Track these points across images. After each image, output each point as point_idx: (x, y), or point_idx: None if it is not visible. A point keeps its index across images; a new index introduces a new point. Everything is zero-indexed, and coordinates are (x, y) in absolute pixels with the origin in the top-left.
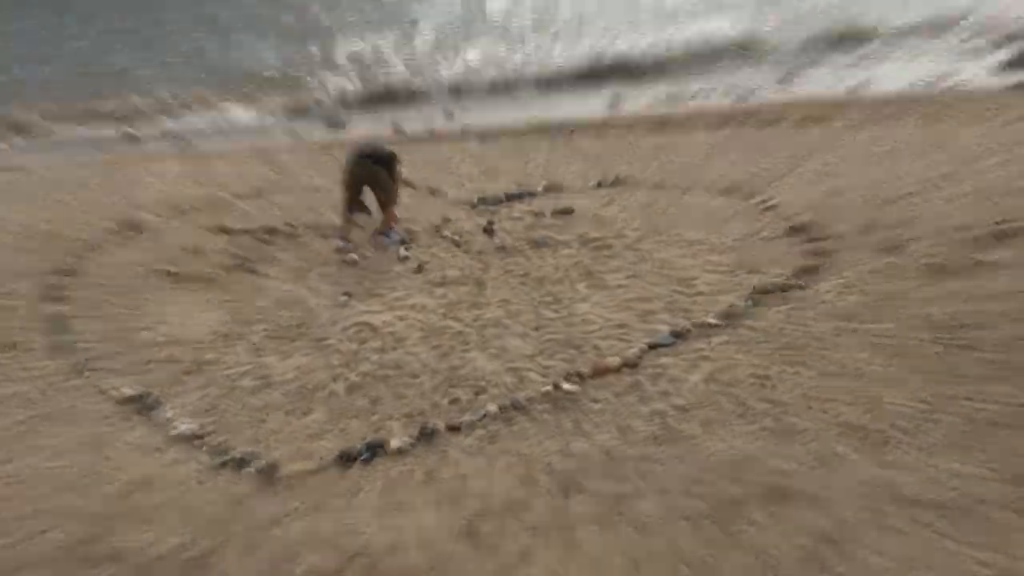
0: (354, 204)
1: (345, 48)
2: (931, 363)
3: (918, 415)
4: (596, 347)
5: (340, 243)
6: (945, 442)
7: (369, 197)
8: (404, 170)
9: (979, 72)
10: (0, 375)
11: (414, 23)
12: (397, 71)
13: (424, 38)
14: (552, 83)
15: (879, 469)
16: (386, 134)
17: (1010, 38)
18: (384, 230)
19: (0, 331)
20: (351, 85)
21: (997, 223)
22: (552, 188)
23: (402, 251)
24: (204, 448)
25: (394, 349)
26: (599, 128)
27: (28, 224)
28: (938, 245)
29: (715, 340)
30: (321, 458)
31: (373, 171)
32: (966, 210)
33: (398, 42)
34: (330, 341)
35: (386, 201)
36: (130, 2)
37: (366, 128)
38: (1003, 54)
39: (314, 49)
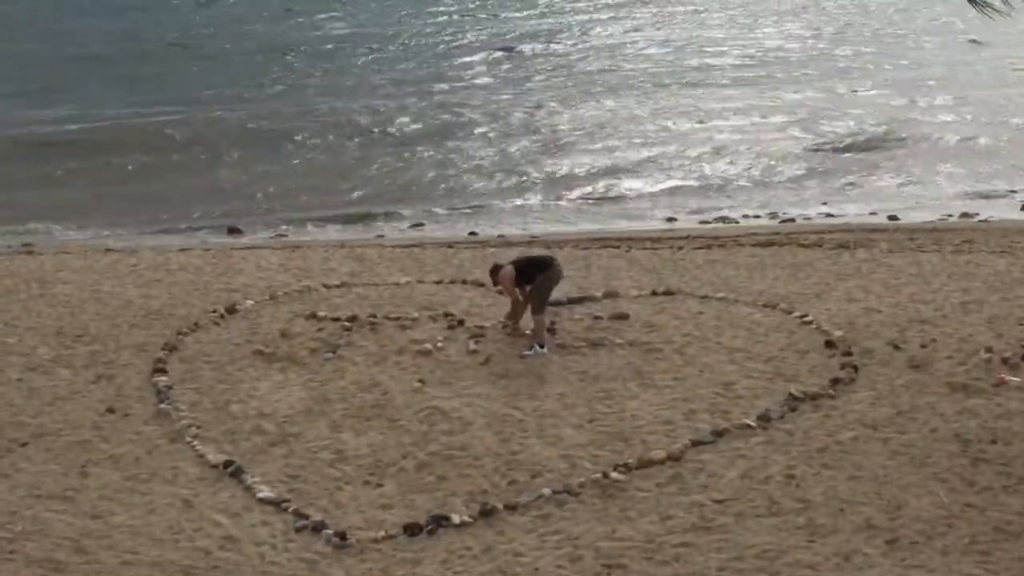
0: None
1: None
2: (951, 473)
3: (938, 520)
4: (643, 441)
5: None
6: (962, 547)
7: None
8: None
9: (1007, 207)
10: (101, 437)
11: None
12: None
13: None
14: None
15: (900, 569)
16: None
17: None
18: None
19: (105, 397)
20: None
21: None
22: (610, 295)
23: (471, 345)
24: (284, 512)
25: (460, 432)
26: (654, 242)
27: (136, 301)
28: (962, 364)
29: (752, 440)
30: (389, 528)
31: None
32: (989, 334)
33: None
34: (402, 422)
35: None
36: None
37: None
38: None
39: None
